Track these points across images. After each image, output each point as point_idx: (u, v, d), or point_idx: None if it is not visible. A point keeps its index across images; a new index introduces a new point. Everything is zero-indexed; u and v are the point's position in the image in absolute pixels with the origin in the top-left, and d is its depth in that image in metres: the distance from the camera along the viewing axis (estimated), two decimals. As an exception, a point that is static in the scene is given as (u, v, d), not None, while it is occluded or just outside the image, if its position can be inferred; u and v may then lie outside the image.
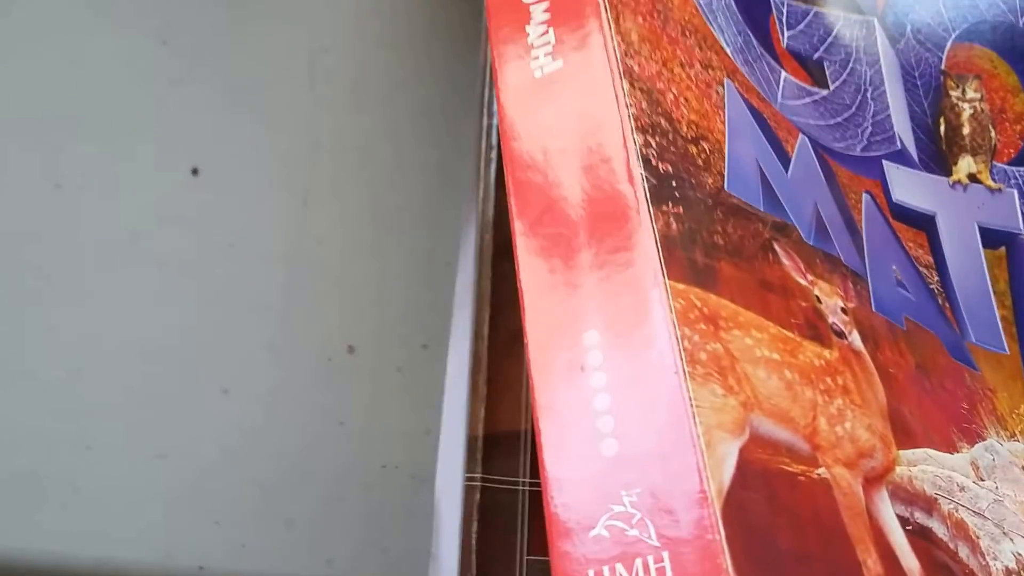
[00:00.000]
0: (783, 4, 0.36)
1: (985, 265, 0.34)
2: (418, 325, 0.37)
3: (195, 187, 0.36)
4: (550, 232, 0.25)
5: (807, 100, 0.34)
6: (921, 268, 0.33)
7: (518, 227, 0.26)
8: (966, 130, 0.36)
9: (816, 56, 0.35)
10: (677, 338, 0.22)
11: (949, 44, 0.37)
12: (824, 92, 0.35)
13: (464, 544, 0.34)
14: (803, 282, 0.27)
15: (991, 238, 0.35)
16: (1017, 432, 0.31)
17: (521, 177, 0.27)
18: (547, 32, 0.29)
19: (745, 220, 0.27)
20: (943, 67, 0.37)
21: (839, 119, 0.34)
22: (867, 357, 0.26)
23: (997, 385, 0.32)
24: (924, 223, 0.34)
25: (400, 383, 0.36)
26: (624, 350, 0.23)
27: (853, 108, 0.35)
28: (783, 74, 0.34)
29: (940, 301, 0.32)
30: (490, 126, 0.40)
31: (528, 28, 0.29)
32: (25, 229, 0.35)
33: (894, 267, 0.32)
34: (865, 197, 0.33)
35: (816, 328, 0.26)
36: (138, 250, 0.35)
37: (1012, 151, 0.37)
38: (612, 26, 0.28)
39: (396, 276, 0.38)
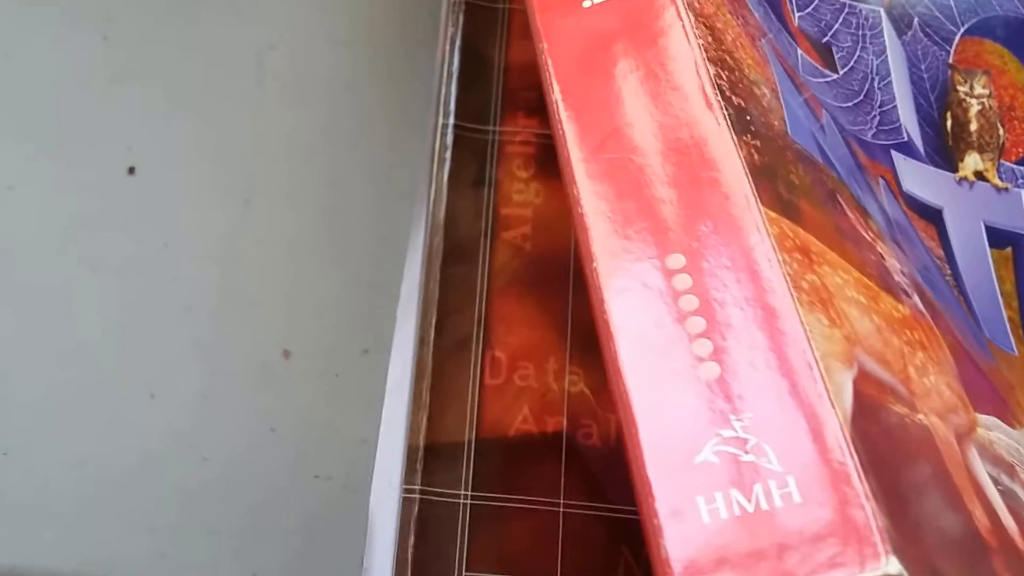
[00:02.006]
0: None
1: (992, 264, 0.34)
2: (359, 330, 0.37)
3: (131, 186, 0.36)
4: (617, 157, 0.24)
5: (821, 80, 0.34)
6: (936, 260, 0.32)
7: (575, 154, 0.24)
8: (973, 127, 0.36)
9: (825, 40, 0.35)
10: (779, 260, 0.21)
11: (957, 38, 0.38)
12: (835, 76, 0.34)
13: (399, 558, 0.33)
14: (867, 236, 0.26)
15: (997, 238, 0.35)
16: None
17: (572, 104, 0.25)
18: None
19: (812, 167, 0.26)
20: (951, 61, 0.37)
21: (851, 103, 0.34)
22: (930, 319, 0.25)
23: (1014, 382, 0.31)
24: (933, 216, 0.34)
25: (337, 390, 0.36)
26: (719, 272, 0.21)
27: (862, 95, 0.34)
28: (799, 51, 0.33)
29: (955, 293, 0.32)
30: (445, 125, 0.39)
31: None
32: None
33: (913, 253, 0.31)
34: (881, 182, 0.32)
35: (888, 280, 0.25)
36: (68, 249, 0.35)
37: (1021, 150, 0.38)
38: None
39: (338, 279, 0.37)
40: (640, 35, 0.26)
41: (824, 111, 0.32)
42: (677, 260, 0.22)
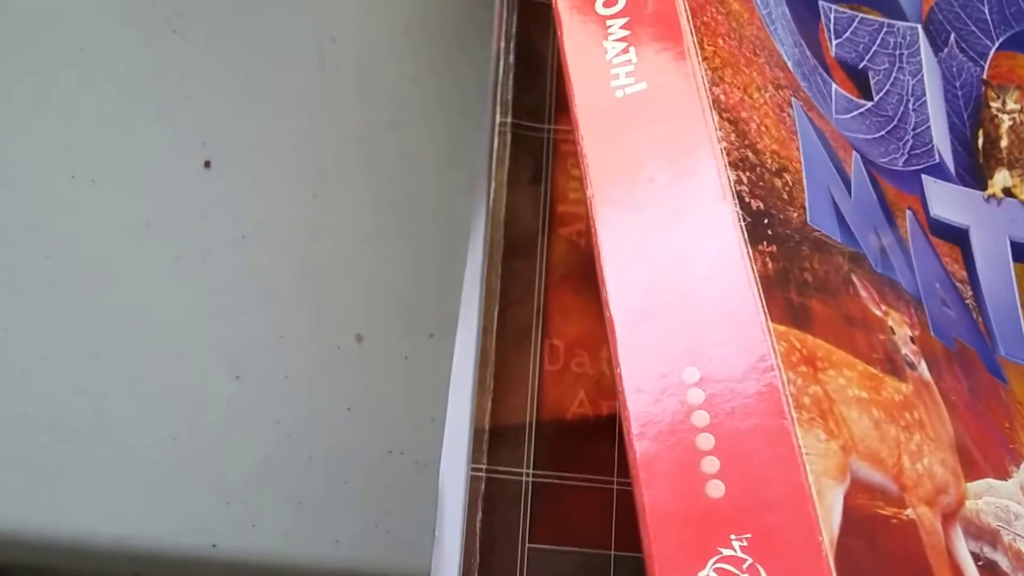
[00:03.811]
0: (831, 10, 0.37)
1: (1015, 280, 0.37)
2: (426, 316, 0.40)
3: (207, 179, 0.39)
4: (643, 273, 0.27)
5: (854, 113, 0.36)
6: (957, 283, 0.35)
7: (606, 262, 0.27)
8: (1004, 143, 0.39)
9: (861, 65, 0.37)
10: (784, 383, 0.24)
11: (992, 53, 0.40)
12: (868, 104, 0.36)
13: (468, 531, 0.36)
14: (878, 313, 0.29)
15: (1022, 252, 0.38)
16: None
17: (603, 199, 0.28)
18: (627, 50, 0.30)
19: (828, 254, 0.29)
20: (985, 76, 0.39)
21: (883, 132, 0.37)
22: (934, 387, 0.29)
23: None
24: (959, 237, 0.37)
25: (406, 372, 0.39)
26: (729, 391, 0.24)
27: (896, 120, 0.37)
28: (834, 86, 0.36)
29: (975, 315, 0.35)
30: (503, 123, 0.41)
31: (606, 44, 0.30)
32: (40, 219, 0.37)
33: (937, 285, 0.34)
34: (908, 214, 0.35)
35: (893, 362, 0.28)
36: (152, 241, 0.38)
37: None
38: (697, 50, 0.30)
39: (404, 267, 0.40)
40: (665, 139, 0.29)
41: (854, 155, 0.34)
42: (692, 374, 0.26)
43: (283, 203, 0.40)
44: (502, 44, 0.40)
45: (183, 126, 0.40)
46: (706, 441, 0.24)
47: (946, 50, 0.40)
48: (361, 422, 0.38)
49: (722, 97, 0.29)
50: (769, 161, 0.29)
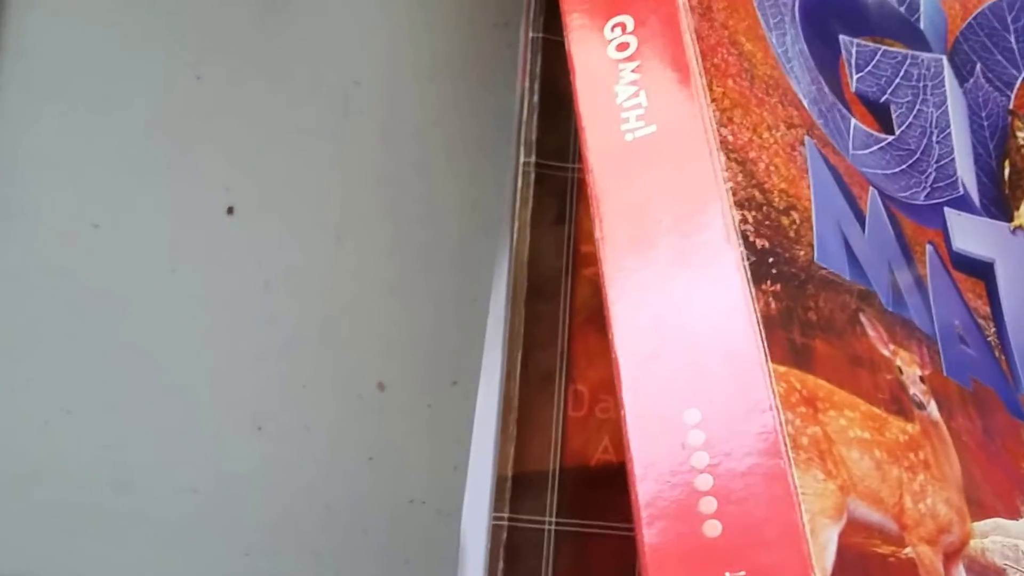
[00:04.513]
0: (852, 44, 0.38)
1: None
2: (449, 362, 0.41)
3: (231, 225, 0.40)
4: (651, 316, 0.28)
5: (874, 148, 0.37)
6: (980, 320, 0.36)
7: (610, 294, 0.28)
8: None
9: (883, 99, 0.38)
10: (782, 423, 0.25)
11: (1019, 82, 0.40)
12: (890, 138, 0.37)
13: None
14: (886, 353, 0.29)
15: None
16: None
17: (613, 241, 0.29)
18: (638, 94, 0.31)
19: (834, 293, 0.29)
20: (1011, 107, 0.40)
21: (904, 166, 0.37)
22: (943, 427, 0.29)
23: None
24: (983, 271, 0.37)
25: (429, 420, 0.40)
26: (728, 433, 0.25)
27: (918, 153, 0.37)
28: (853, 122, 0.36)
29: (996, 354, 0.35)
30: (527, 163, 0.41)
31: (617, 88, 0.31)
32: (63, 269, 0.38)
33: (957, 322, 0.34)
34: (928, 249, 0.35)
35: (899, 402, 0.29)
36: (175, 290, 0.39)
37: None
38: (706, 92, 0.30)
39: (427, 313, 0.41)
40: (673, 181, 0.30)
41: (870, 191, 0.35)
42: (693, 415, 0.27)
43: (306, 249, 0.40)
44: (527, 84, 0.41)
45: (206, 172, 0.41)
46: (705, 482, 0.25)
47: (972, 80, 0.40)
48: (382, 472, 0.39)
49: (730, 138, 0.30)
50: (777, 200, 0.30)
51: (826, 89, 0.36)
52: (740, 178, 0.29)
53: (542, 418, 0.39)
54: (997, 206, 0.38)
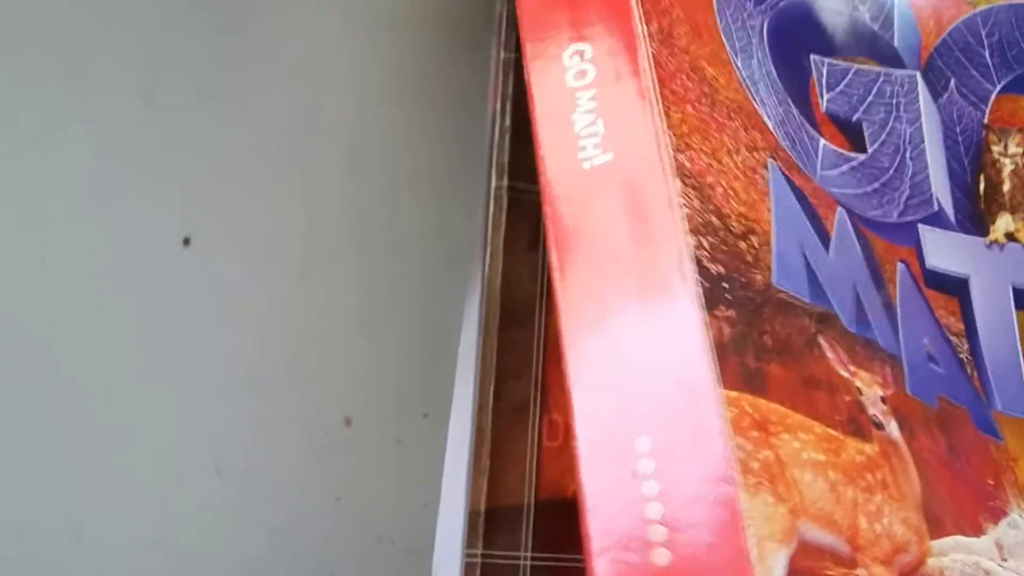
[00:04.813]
0: (823, 64, 0.39)
1: (1017, 328, 0.37)
2: (418, 395, 0.39)
3: (188, 257, 0.38)
4: (604, 344, 0.29)
5: (845, 168, 0.37)
6: (952, 337, 0.36)
7: (565, 324, 0.29)
8: (1006, 187, 0.39)
9: (855, 118, 0.38)
10: (731, 449, 0.26)
11: (993, 96, 0.40)
12: (862, 157, 0.37)
13: None
14: (846, 374, 0.30)
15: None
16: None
17: (570, 271, 0.30)
18: (595, 122, 0.32)
19: (792, 316, 0.30)
20: (986, 121, 0.40)
21: (877, 184, 0.37)
22: (903, 446, 0.30)
23: (1020, 453, 0.35)
24: (957, 288, 0.37)
25: (399, 455, 0.38)
26: (677, 460, 0.26)
27: (891, 171, 0.38)
28: (822, 142, 0.37)
29: (969, 370, 0.36)
30: (500, 187, 0.41)
31: (575, 116, 0.32)
32: (11, 304, 0.36)
33: (926, 341, 0.35)
34: (900, 268, 0.36)
35: (857, 423, 0.29)
36: (128, 325, 0.37)
37: None
38: (663, 119, 0.31)
39: (396, 345, 0.39)
40: (629, 209, 0.30)
41: (838, 212, 0.35)
42: (644, 444, 0.27)
43: (267, 281, 0.39)
44: (498, 106, 0.41)
45: (160, 201, 0.39)
46: (655, 510, 0.26)
47: (946, 95, 0.40)
48: (350, 511, 0.37)
49: (687, 164, 0.31)
50: (735, 224, 0.30)
51: (794, 111, 0.37)
52: (697, 204, 0.30)
53: (516, 449, 0.38)
54: (972, 221, 0.39)
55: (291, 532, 0.36)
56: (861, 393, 0.30)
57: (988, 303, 0.37)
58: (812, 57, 0.39)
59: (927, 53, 0.41)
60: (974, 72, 0.41)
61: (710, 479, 0.25)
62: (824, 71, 0.39)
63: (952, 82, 0.40)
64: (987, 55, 0.41)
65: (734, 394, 0.26)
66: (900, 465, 0.29)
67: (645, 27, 0.33)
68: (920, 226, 0.37)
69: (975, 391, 0.35)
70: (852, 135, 0.38)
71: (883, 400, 0.30)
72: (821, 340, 0.30)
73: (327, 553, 0.36)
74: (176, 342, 0.37)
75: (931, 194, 0.38)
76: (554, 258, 0.30)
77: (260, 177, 0.39)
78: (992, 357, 0.37)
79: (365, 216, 0.40)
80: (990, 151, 0.40)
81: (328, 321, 0.38)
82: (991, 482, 0.33)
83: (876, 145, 0.38)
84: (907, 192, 0.38)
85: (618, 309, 0.28)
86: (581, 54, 0.33)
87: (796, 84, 0.38)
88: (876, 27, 0.40)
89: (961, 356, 0.36)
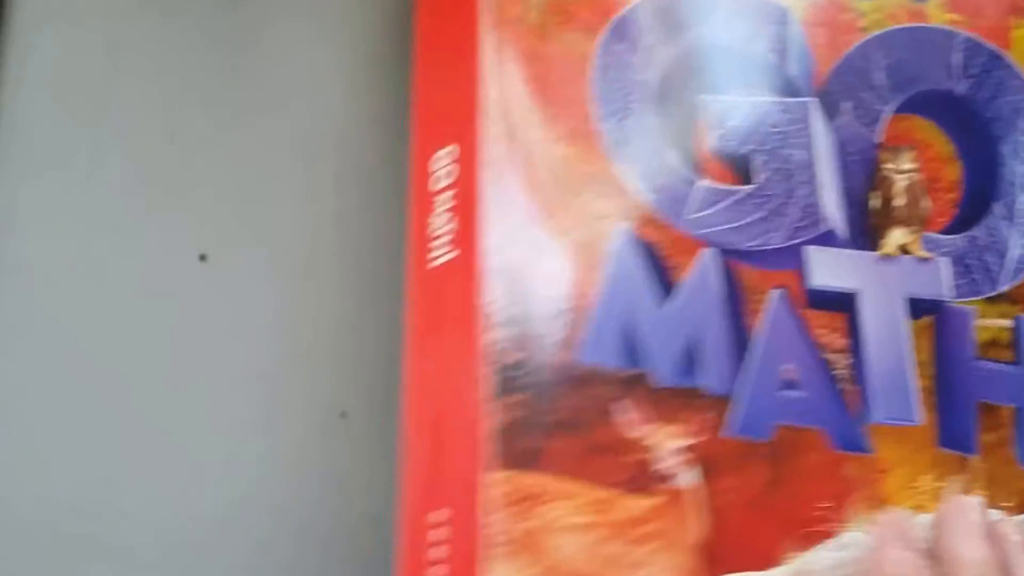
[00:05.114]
0: (713, 102, 0.43)
1: (908, 336, 0.41)
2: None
3: (204, 271, 0.45)
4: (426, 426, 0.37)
5: (726, 203, 0.42)
6: (830, 355, 0.41)
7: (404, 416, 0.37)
8: (899, 202, 0.43)
9: (744, 151, 0.43)
10: (487, 524, 0.34)
11: (887, 117, 0.43)
12: (748, 188, 0.42)
13: None
14: (641, 433, 0.36)
15: (919, 308, 0.42)
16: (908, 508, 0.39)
17: (409, 349, 0.38)
18: (449, 221, 0.39)
19: (591, 387, 0.36)
20: (879, 140, 0.43)
21: (763, 213, 0.42)
22: (694, 493, 0.36)
23: (896, 462, 0.40)
24: (845, 303, 0.42)
25: (390, 444, 0.42)
26: (451, 534, 0.34)
27: (781, 197, 0.42)
28: (700, 184, 0.42)
29: (843, 386, 0.40)
30: None
31: (431, 218, 0.39)
32: (57, 313, 0.43)
33: (789, 366, 0.40)
34: (774, 295, 0.41)
35: (639, 480, 0.36)
36: (152, 331, 0.44)
37: (945, 220, 0.44)
38: (494, 218, 0.38)
39: (387, 345, 0.44)
40: (452, 305, 0.38)
41: (700, 255, 0.41)
42: (437, 516, 0.36)
43: (274, 291, 0.45)
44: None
45: (180, 224, 0.45)
46: (440, 571, 0.35)
47: (841, 118, 0.44)
48: (347, 495, 0.43)
49: (504, 260, 0.38)
50: (548, 307, 0.37)
51: (671, 159, 0.42)
52: (511, 296, 0.37)
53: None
54: (865, 237, 0.43)
55: (294, 514, 0.43)
56: (654, 450, 0.36)
57: (879, 315, 0.41)
58: (702, 97, 0.43)
59: (822, 79, 0.44)
60: (868, 94, 0.44)
61: (466, 551, 0.33)
62: (714, 109, 0.43)
63: (847, 105, 0.44)
64: (882, 77, 0.44)
65: (506, 474, 0.34)
66: (683, 513, 0.35)
67: (494, 128, 0.39)
68: (808, 247, 0.42)
69: (844, 408, 0.40)
70: (740, 168, 0.43)
71: (683, 450, 0.36)
72: (619, 405, 0.36)
73: (331, 533, 0.43)
74: (194, 346, 0.43)
75: (822, 215, 0.42)
76: (406, 341, 0.38)
77: (266, 197, 0.46)
78: (879, 368, 0.41)
79: (359, 227, 0.46)
80: (883, 168, 0.43)
81: (328, 325, 0.45)
82: (826, 505, 0.38)
83: (766, 173, 0.42)
84: (797, 215, 0.42)
85: (431, 388, 0.36)
86: (442, 158, 0.40)
87: (682, 129, 0.43)
88: (771, 59, 0.44)
89: (836, 373, 0.40)
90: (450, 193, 0.38)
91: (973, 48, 0.46)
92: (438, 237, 0.38)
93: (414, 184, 0.40)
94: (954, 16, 0.47)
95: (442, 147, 0.40)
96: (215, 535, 0.41)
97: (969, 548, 0.36)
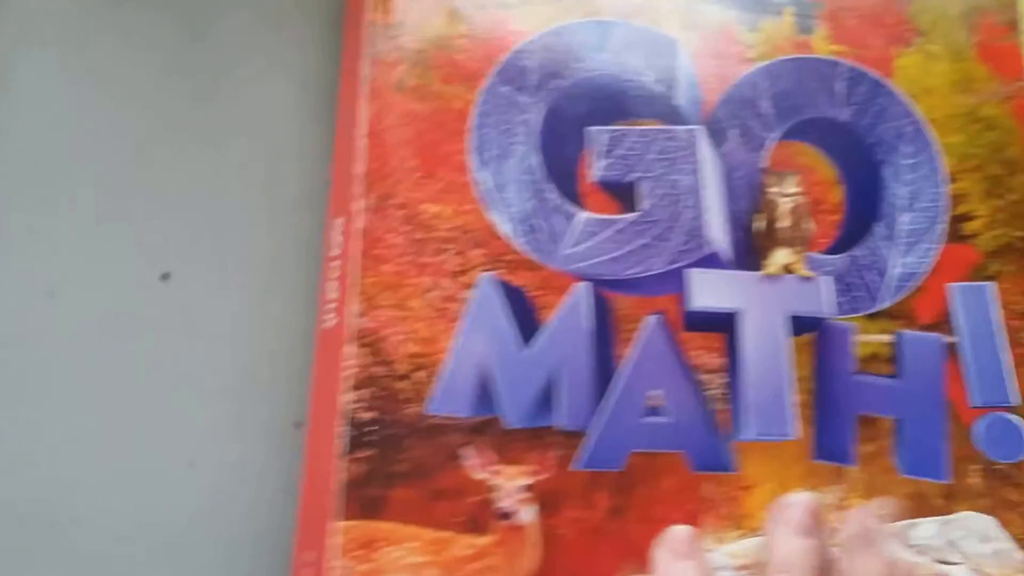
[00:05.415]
0: (601, 133, 0.46)
1: (788, 353, 0.44)
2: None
3: (166, 289, 0.46)
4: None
5: (608, 233, 0.45)
6: (703, 376, 0.44)
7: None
8: (783, 223, 0.45)
9: (629, 179, 0.46)
10: (327, 569, 0.41)
11: (773, 143, 0.46)
12: (632, 216, 0.45)
13: None
14: (484, 475, 0.42)
15: (801, 325, 0.44)
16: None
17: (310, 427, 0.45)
18: (335, 289, 0.46)
19: (437, 437, 0.42)
20: (764, 165, 0.45)
21: (647, 239, 0.45)
22: (532, 528, 0.41)
23: (763, 478, 0.43)
24: (724, 324, 0.45)
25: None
26: (316, 571, 0.42)
27: (666, 222, 0.45)
28: (580, 216, 0.45)
29: (714, 407, 0.44)
30: None
31: (326, 284, 0.46)
32: (26, 326, 0.45)
33: (653, 392, 0.44)
34: (648, 321, 0.44)
35: (477, 520, 0.41)
36: (120, 345, 0.45)
37: (828, 240, 0.45)
38: (360, 286, 0.44)
39: None
40: (321, 369, 0.45)
41: (571, 290, 0.45)
42: (309, 555, 0.43)
43: (232, 307, 0.47)
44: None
45: (144, 245, 0.46)
46: None
47: (727, 145, 0.46)
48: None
49: (368, 324, 0.44)
50: (400, 367, 0.43)
51: (551, 195, 0.46)
52: (367, 359, 0.43)
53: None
54: (749, 258, 0.45)
55: (251, 515, 0.44)
56: (496, 490, 0.42)
57: (759, 333, 0.44)
58: (590, 129, 0.47)
59: (710, 108, 0.46)
60: (755, 122, 0.46)
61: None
62: (602, 139, 0.46)
63: (733, 132, 0.46)
64: (768, 105, 0.46)
65: (349, 524, 0.41)
66: (518, 547, 0.41)
67: (364, 201, 0.45)
68: (690, 271, 0.45)
69: (712, 428, 0.43)
70: (624, 197, 0.46)
71: (524, 488, 0.42)
72: (464, 451, 0.42)
73: (285, 536, 0.43)
74: (156, 361, 0.45)
75: (706, 238, 0.45)
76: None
77: (226, 219, 0.47)
78: (756, 386, 0.44)
79: (316, 247, 0.48)
80: (767, 192, 0.45)
81: (283, 340, 0.46)
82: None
83: (652, 200, 0.46)
84: (680, 240, 0.45)
85: (306, 455, 0.44)
86: (336, 227, 0.47)
87: (565, 160, 0.46)
88: (660, 89, 0.47)
89: (708, 394, 0.44)
90: (338, 263, 0.44)
91: (856, 77, 0.48)
92: (328, 302, 0.44)
93: (322, 249, 0.45)
94: (839, 47, 0.49)
95: (337, 217, 0.45)
96: (178, 541, 0.43)
97: (786, 543, 0.38)
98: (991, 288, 0.45)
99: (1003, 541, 0.42)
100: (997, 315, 0.45)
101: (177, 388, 0.44)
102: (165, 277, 0.46)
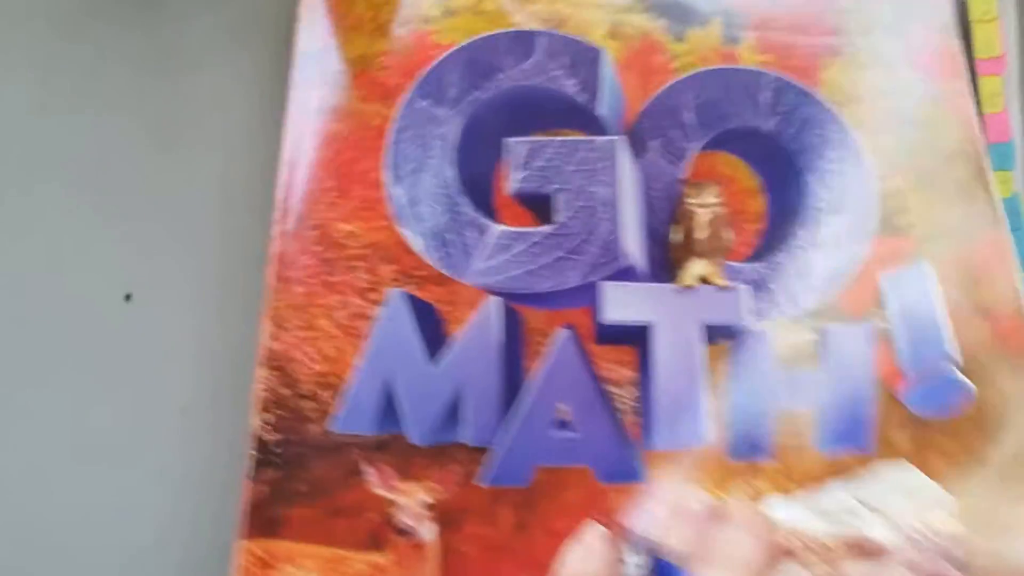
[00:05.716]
0: (519, 144, 0.46)
1: (704, 362, 0.43)
2: None
3: (129, 310, 0.47)
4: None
5: (522, 246, 0.45)
6: (613, 389, 0.44)
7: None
8: (701, 235, 0.44)
9: (546, 190, 0.46)
10: None
11: (693, 154, 0.46)
12: (548, 229, 0.45)
13: None
14: (385, 493, 0.42)
15: (717, 334, 0.44)
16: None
17: None
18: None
19: (340, 455, 0.43)
20: (683, 176, 0.45)
21: (561, 253, 0.45)
22: (432, 545, 0.41)
23: (673, 483, 0.43)
24: (636, 337, 0.44)
25: None
26: None
27: (582, 235, 0.45)
28: (494, 230, 0.46)
29: (624, 418, 0.43)
30: None
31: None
32: None
33: (562, 407, 0.43)
34: (559, 335, 0.44)
35: (376, 537, 0.42)
36: (84, 363, 0.46)
37: (748, 249, 0.45)
38: (272, 308, 0.45)
39: None
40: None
41: (483, 306, 0.45)
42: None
43: (191, 325, 0.48)
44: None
45: (108, 267, 0.48)
46: None
47: (647, 155, 0.46)
48: None
49: (275, 347, 0.45)
50: (307, 387, 0.44)
51: (465, 210, 0.46)
52: (275, 382, 0.44)
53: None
54: (664, 270, 0.45)
55: (216, 535, 0.44)
56: (395, 507, 0.42)
57: (673, 344, 0.44)
58: (508, 140, 0.47)
59: (632, 118, 0.46)
60: (676, 132, 0.46)
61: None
62: (519, 151, 0.46)
63: (654, 142, 0.46)
64: (691, 116, 0.45)
65: (252, 543, 0.42)
66: (417, 565, 0.41)
67: (288, 221, 0.46)
68: (604, 284, 0.45)
69: (621, 440, 0.43)
70: (541, 209, 0.46)
71: (427, 505, 0.42)
72: (365, 467, 0.42)
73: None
74: (118, 380, 0.46)
75: (622, 251, 0.45)
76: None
77: (184, 246, 0.48)
78: (669, 397, 0.44)
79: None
80: (686, 203, 0.45)
81: (244, 360, 0.45)
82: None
83: (569, 213, 0.45)
84: (596, 252, 0.45)
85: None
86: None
87: (480, 173, 0.47)
88: (581, 99, 0.47)
89: (617, 406, 0.44)
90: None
91: (782, 87, 0.48)
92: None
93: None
94: (764, 57, 0.49)
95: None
96: (140, 559, 0.44)
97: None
98: (924, 265, 0.45)
99: (917, 478, 0.42)
100: (935, 289, 0.45)
101: (137, 409, 0.46)
102: (128, 298, 0.47)
